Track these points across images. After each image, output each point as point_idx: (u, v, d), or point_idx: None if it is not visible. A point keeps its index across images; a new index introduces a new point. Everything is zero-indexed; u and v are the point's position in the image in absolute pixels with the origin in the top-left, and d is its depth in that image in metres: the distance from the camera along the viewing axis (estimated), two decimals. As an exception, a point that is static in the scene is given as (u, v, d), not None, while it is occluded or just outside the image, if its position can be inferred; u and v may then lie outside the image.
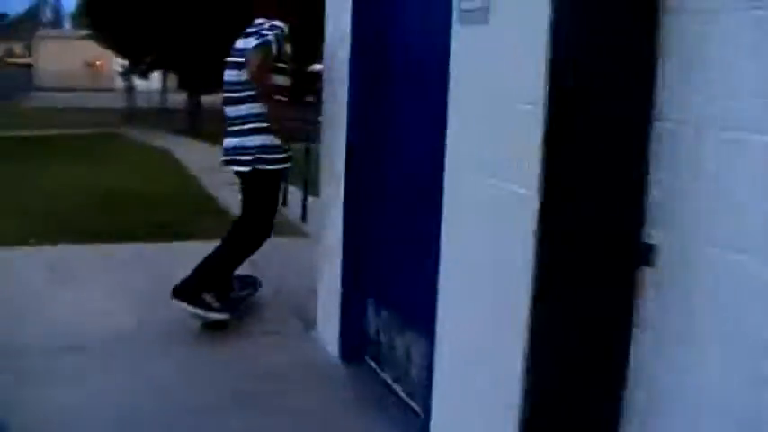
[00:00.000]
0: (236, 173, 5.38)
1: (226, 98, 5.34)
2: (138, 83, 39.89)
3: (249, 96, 5.08)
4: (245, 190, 5.46)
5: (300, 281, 6.73)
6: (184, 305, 5.20)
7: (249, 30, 5.18)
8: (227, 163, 5.38)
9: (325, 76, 5.40)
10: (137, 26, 28.75)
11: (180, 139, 26.95)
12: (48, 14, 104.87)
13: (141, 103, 38.84)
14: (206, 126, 31.63)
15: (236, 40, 5.30)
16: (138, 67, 36.27)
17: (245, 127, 5.15)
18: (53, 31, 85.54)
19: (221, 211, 12.42)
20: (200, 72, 31.39)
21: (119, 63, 40.73)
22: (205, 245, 6.96)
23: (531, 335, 2.79)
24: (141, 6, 27.87)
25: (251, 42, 4.99)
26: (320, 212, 5.70)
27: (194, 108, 32.78)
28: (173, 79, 39.56)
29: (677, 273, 2.52)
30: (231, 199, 14.56)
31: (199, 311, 5.22)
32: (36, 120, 32.88)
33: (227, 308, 5.38)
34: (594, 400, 2.76)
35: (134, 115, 36.86)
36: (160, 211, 11.42)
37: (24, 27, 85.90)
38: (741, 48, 2.28)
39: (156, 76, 38.44)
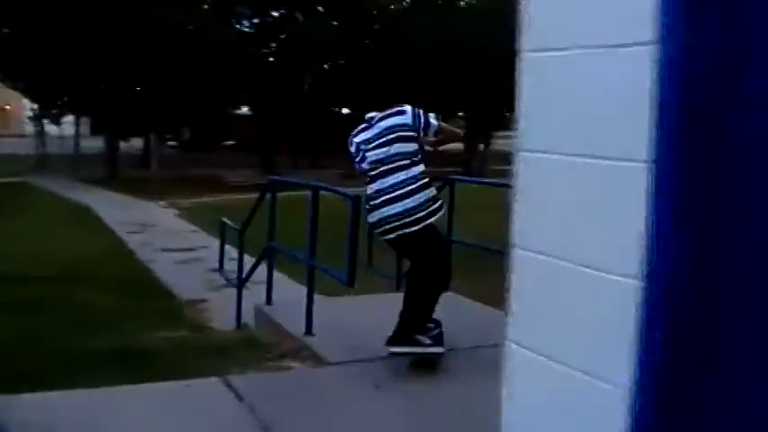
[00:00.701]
0: (404, 235, 5.31)
1: (381, 172, 5.39)
2: (50, 128, 36.15)
3: (413, 162, 5.38)
4: (420, 245, 5.38)
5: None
6: (402, 349, 5.16)
7: (371, 121, 5.52)
8: (396, 229, 5.31)
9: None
10: (47, 67, 25.44)
11: (98, 191, 23.56)
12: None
13: (53, 149, 35.10)
14: (123, 173, 28.33)
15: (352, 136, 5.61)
16: (50, 111, 32.76)
17: (412, 187, 5.34)
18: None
19: (167, 296, 9.38)
20: (116, 116, 28.21)
21: (29, 107, 36.76)
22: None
23: None
24: (52, 46, 24.60)
25: (398, 119, 5.42)
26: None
27: (112, 154, 29.33)
28: (86, 124, 36.12)
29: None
30: (170, 271, 11.67)
31: (417, 350, 5.20)
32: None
33: (439, 343, 5.27)
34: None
35: (46, 163, 33.18)
36: (90, 302, 8.30)
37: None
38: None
39: (68, 120, 34.89)
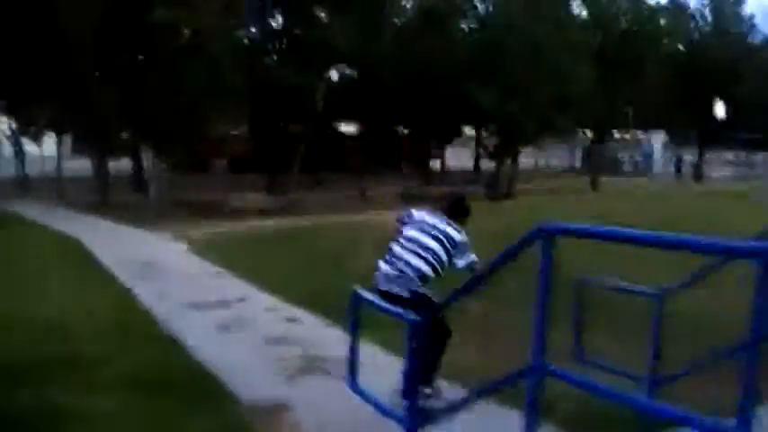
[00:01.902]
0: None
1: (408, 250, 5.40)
2: (29, 148, 32.11)
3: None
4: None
5: None
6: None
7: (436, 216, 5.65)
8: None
9: None
10: (24, 77, 21.68)
11: (91, 220, 19.54)
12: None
13: (33, 171, 31.14)
14: (114, 198, 24.35)
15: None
16: (29, 128, 28.88)
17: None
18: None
19: (222, 398, 5.64)
20: (103, 131, 24.30)
21: (6, 124, 32.62)
22: None
23: None
24: (28, 52, 20.83)
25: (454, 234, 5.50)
26: None
27: (102, 176, 25.30)
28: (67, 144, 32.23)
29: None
30: (211, 345, 7.01)
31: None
32: None
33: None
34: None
35: (27, 186, 29.30)
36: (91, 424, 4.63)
37: None
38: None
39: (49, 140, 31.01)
